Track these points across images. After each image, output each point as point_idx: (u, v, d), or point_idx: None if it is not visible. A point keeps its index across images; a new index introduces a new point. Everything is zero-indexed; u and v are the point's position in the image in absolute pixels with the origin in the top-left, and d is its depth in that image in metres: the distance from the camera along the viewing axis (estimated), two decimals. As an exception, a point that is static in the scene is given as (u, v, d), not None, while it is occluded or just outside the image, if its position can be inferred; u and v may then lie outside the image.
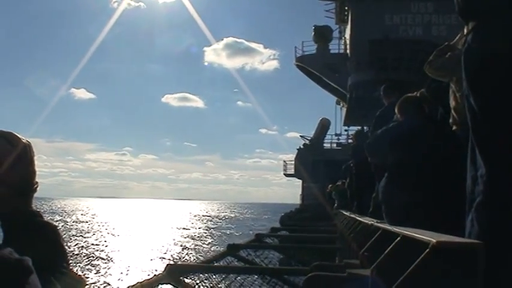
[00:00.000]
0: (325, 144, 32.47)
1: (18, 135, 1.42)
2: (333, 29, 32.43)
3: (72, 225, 41.23)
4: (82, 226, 41.28)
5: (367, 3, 27.67)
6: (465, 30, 1.84)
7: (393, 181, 3.50)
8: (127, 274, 17.09)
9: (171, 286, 4.41)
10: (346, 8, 30.95)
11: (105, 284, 15.28)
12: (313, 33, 31.16)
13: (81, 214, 66.35)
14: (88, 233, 34.77)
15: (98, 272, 17.69)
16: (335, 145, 32.55)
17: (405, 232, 1.95)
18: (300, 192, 31.98)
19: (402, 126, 3.62)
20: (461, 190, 1.82)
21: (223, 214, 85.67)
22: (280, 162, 36.22)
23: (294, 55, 31.87)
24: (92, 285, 14.64)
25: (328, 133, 32.95)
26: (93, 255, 22.23)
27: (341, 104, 34.45)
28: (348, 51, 30.24)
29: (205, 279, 4.88)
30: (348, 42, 30.40)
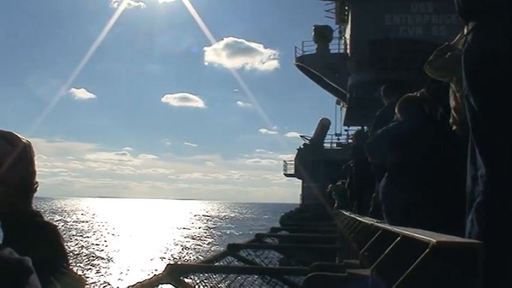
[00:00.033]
0: (325, 144, 32.50)
1: (18, 135, 1.42)
2: (333, 29, 32.49)
3: (72, 225, 41.25)
4: (82, 226, 41.29)
5: (367, 3, 27.68)
6: (465, 30, 1.84)
7: (393, 181, 3.50)
8: (127, 274, 17.10)
9: (171, 286, 4.41)
10: (346, 8, 30.96)
11: (105, 284, 15.29)
12: (313, 33, 31.17)
13: (81, 214, 66.38)
14: (88, 232, 34.78)
15: (98, 271, 17.70)
16: (335, 145, 32.58)
17: (405, 232, 1.95)
18: (300, 192, 32.00)
19: (402, 126, 3.62)
20: (461, 190, 1.82)
21: (223, 214, 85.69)
22: (280, 162, 36.25)
23: (294, 55, 31.94)
24: (92, 285, 14.65)
25: (328, 133, 33.00)
26: (93, 255, 22.24)
27: (341, 104, 34.45)
28: (348, 51, 30.26)
29: (206, 279, 4.89)
30: (348, 42, 30.41)
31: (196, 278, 4.83)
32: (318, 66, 30.56)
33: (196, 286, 4.73)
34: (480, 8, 1.75)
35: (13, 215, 1.36)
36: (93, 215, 64.66)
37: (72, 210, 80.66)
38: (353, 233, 4.99)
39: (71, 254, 20.64)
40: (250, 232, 21.46)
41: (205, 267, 5.31)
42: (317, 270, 3.58)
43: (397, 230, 2.20)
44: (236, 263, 6.44)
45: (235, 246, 6.89)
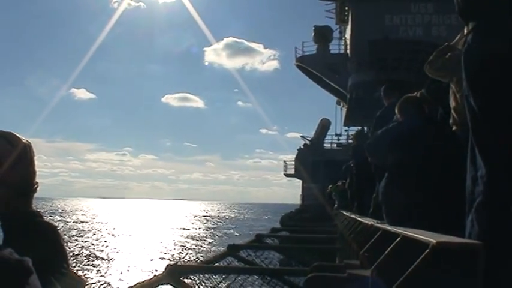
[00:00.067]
0: (325, 145, 32.46)
1: (18, 136, 1.42)
2: (333, 29, 32.43)
3: (72, 226, 41.24)
4: (82, 226, 41.28)
5: (368, 4, 27.67)
6: (465, 31, 1.84)
7: (393, 181, 3.50)
8: (127, 274, 17.10)
9: (171, 286, 4.41)
10: (347, 8, 30.95)
11: (105, 284, 15.28)
12: (313, 33, 31.15)
13: (82, 214, 66.36)
14: (88, 233, 34.78)
15: (98, 272, 17.70)
16: (335, 145, 32.53)
17: (405, 232, 1.95)
18: (300, 193, 31.96)
19: (402, 126, 3.62)
20: (461, 190, 1.82)
21: (223, 214, 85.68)
22: (281, 163, 36.23)
23: (294, 55, 31.90)
24: (92, 285, 14.64)
25: (328, 133, 32.95)
26: (93, 255, 22.24)
27: (341, 105, 34.44)
28: (348, 51, 30.24)
29: (206, 280, 4.89)
30: (348, 42, 30.40)
31: (196, 279, 4.84)
32: (318, 66, 30.54)
33: (197, 287, 4.73)
34: (480, 8, 1.75)
35: (13, 215, 1.36)
36: (93, 215, 64.64)
37: (72, 210, 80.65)
38: (353, 233, 4.99)
39: (71, 254, 20.63)
40: (250, 233, 21.44)
41: (206, 267, 5.31)
42: (317, 270, 3.58)
43: (397, 230, 2.20)
44: (236, 263, 6.44)
45: (236, 247, 6.89)
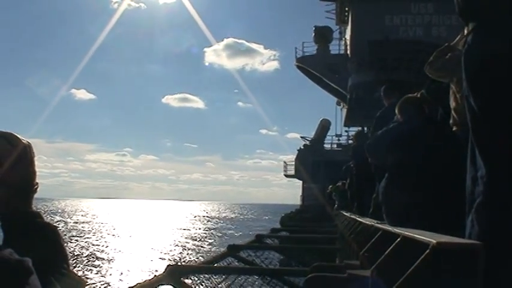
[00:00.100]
0: (325, 145, 32.48)
1: (18, 136, 1.42)
2: (333, 30, 32.47)
3: (72, 226, 41.25)
4: (82, 227, 41.30)
5: (368, 4, 27.68)
6: (465, 31, 1.84)
7: (393, 182, 3.50)
8: (127, 275, 17.10)
9: (172, 287, 4.41)
10: (347, 8, 30.95)
11: (105, 285, 15.29)
12: (313, 34, 31.17)
13: (82, 215, 66.37)
14: (88, 233, 34.79)
15: (98, 272, 17.70)
16: (335, 146, 32.55)
17: (405, 233, 1.95)
18: (300, 193, 31.97)
19: (402, 127, 3.62)
20: (461, 191, 1.82)
21: (223, 215, 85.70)
22: (281, 163, 36.24)
23: (294, 56, 31.92)
24: (93, 285, 14.64)
25: (328, 134, 32.99)
26: (93, 255, 22.24)
27: (341, 105, 34.45)
28: (348, 52, 30.25)
29: (206, 280, 4.89)
30: (348, 43, 30.41)
31: (196, 279, 4.84)
32: (318, 67, 30.56)
33: (197, 287, 4.73)
34: (480, 8, 1.75)
35: (13, 215, 1.36)
36: (94, 215, 64.67)
37: (73, 211, 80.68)
38: (353, 233, 4.99)
39: (71, 254, 20.64)
40: (251, 233, 21.45)
41: (206, 268, 5.31)
42: (317, 271, 3.58)
43: (397, 230, 2.20)
44: (236, 263, 6.44)
45: (236, 247, 6.89)
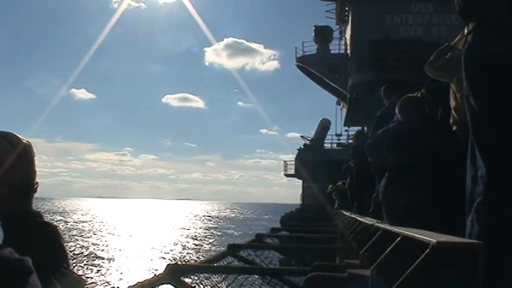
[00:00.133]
0: (325, 145, 32.49)
1: (19, 136, 1.42)
2: (334, 30, 32.45)
3: (72, 225, 41.24)
4: (82, 226, 41.29)
5: (368, 4, 27.65)
6: (465, 31, 1.84)
7: (393, 181, 3.50)
8: (127, 274, 17.10)
9: (171, 286, 4.41)
10: (347, 8, 30.92)
11: (105, 284, 15.30)
12: (313, 33, 31.15)
13: (82, 214, 66.36)
14: (88, 233, 34.78)
15: (98, 272, 17.70)
16: (335, 145, 32.56)
17: (405, 232, 1.95)
18: (300, 193, 31.97)
19: (402, 126, 3.62)
20: (461, 190, 1.82)
21: (223, 214, 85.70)
22: (281, 163, 36.23)
23: (294, 55, 31.92)
24: (92, 285, 14.65)
25: (328, 133, 32.99)
26: (93, 255, 22.25)
27: (341, 105, 34.44)
28: (348, 51, 30.22)
29: (206, 279, 4.89)
30: (348, 42, 30.38)
31: (196, 278, 4.84)
32: (318, 66, 30.54)
33: (197, 286, 4.73)
34: (480, 8, 1.75)
35: (13, 215, 1.36)
36: (94, 215, 64.66)
37: (73, 210, 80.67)
38: (353, 233, 4.99)
39: (71, 254, 20.64)
40: (251, 232, 21.46)
41: (206, 267, 5.30)
42: (317, 270, 3.57)
43: (397, 230, 2.20)
44: (236, 263, 6.43)
45: (236, 247, 6.88)
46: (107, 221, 49.97)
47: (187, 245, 28.37)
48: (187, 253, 24.14)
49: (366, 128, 18.50)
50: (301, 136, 32.87)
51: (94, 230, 37.36)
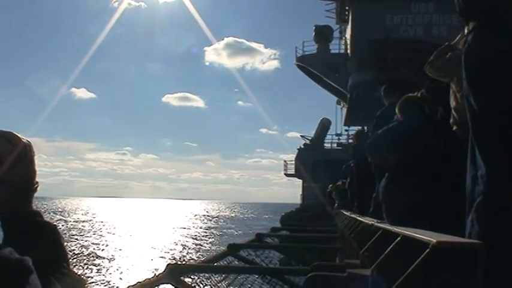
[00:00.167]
0: (325, 144, 32.49)
1: (19, 135, 1.42)
2: (334, 29, 32.45)
3: (72, 225, 41.26)
4: (82, 226, 41.30)
5: (368, 4, 27.66)
6: (466, 31, 1.84)
7: (393, 181, 3.50)
8: (127, 274, 17.10)
9: (172, 286, 4.41)
10: (347, 8, 30.94)
11: (105, 284, 15.30)
12: (313, 33, 31.15)
13: (82, 214, 66.40)
14: (88, 232, 34.79)
15: (98, 271, 17.71)
16: (335, 145, 32.57)
17: (405, 232, 1.95)
18: (300, 192, 31.99)
19: (402, 126, 3.62)
20: (461, 190, 1.82)
21: (223, 214, 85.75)
22: (281, 162, 36.22)
23: (294, 55, 31.91)
24: (93, 284, 14.66)
25: (328, 133, 32.99)
26: (93, 254, 22.26)
27: (341, 104, 34.46)
28: (348, 51, 30.23)
29: (206, 279, 4.89)
30: (348, 42, 30.40)
31: (196, 278, 4.83)
32: (318, 66, 30.55)
33: (197, 286, 4.73)
34: (480, 8, 1.75)
35: (13, 214, 1.36)
36: (94, 214, 64.68)
37: (73, 210, 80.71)
38: (353, 233, 4.99)
39: (71, 253, 20.66)
40: (251, 232, 21.45)
41: (206, 267, 5.30)
42: (317, 270, 3.57)
43: (397, 230, 2.20)
44: (236, 262, 6.42)
45: (236, 246, 6.88)
46: (107, 220, 49.99)
47: (187, 244, 28.38)
48: (187, 253, 24.15)
49: (366, 128, 18.50)
50: (301, 136, 32.92)
51: (94, 230, 37.38)
